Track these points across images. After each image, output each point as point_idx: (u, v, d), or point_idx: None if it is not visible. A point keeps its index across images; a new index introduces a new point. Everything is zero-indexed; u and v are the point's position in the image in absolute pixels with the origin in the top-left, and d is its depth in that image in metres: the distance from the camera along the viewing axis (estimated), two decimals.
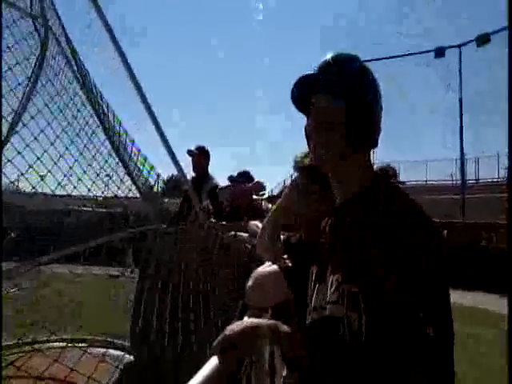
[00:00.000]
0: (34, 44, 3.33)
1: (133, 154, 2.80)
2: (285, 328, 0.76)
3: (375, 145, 0.84)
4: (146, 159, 2.78)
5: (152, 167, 2.76)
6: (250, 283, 1.51)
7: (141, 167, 2.87)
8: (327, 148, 0.82)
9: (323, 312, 0.76)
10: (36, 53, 3.35)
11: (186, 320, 2.61)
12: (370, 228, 0.72)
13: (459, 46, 13.43)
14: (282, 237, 1.70)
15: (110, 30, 2.38)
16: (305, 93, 0.84)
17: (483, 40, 12.82)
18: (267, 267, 1.53)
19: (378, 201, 0.77)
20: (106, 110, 2.85)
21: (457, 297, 4.97)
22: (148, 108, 2.49)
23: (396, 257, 0.66)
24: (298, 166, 1.40)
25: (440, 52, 13.77)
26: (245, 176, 3.33)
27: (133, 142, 2.72)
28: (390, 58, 14.81)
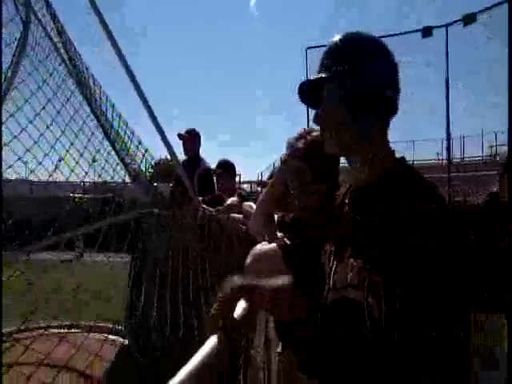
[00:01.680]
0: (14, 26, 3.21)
1: (126, 138, 2.76)
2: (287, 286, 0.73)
3: (388, 111, 0.82)
4: (140, 142, 2.75)
5: (146, 150, 2.73)
6: (247, 261, 1.55)
7: (133, 150, 2.84)
8: (332, 129, 0.82)
9: (344, 293, 0.76)
10: (16, 36, 3.22)
11: (186, 313, 2.62)
12: (395, 214, 0.70)
13: (446, 26, 13.38)
14: (275, 216, 1.73)
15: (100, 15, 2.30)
16: (313, 90, 0.85)
17: (469, 19, 12.80)
18: (265, 245, 1.56)
19: (402, 185, 0.75)
20: (98, 93, 2.79)
21: None
22: (134, 81, 2.44)
23: (424, 247, 0.64)
24: (294, 155, 1.41)
25: (427, 31, 13.70)
26: (225, 166, 3.30)
27: (126, 124, 2.68)
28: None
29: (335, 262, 0.82)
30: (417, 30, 14.80)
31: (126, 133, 2.73)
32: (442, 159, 17.71)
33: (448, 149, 14.04)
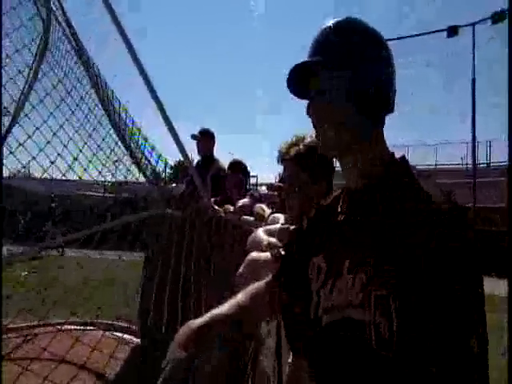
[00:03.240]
0: (36, 28, 3.27)
1: (140, 141, 2.78)
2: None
3: (388, 109, 0.76)
4: (153, 148, 2.76)
5: (160, 155, 2.75)
6: (241, 268, 1.52)
7: (146, 151, 2.85)
8: (338, 128, 0.73)
9: (344, 313, 0.68)
10: (38, 38, 3.28)
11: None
12: (400, 221, 0.62)
13: (473, 24, 12.97)
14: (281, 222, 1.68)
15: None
16: (302, 75, 0.76)
17: (499, 17, 12.35)
18: (260, 254, 1.54)
19: (402, 188, 0.68)
20: (111, 96, 2.81)
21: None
22: (150, 87, 2.43)
23: (434, 257, 0.57)
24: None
25: (453, 31, 13.31)
26: (233, 166, 3.23)
27: (139, 129, 2.69)
28: (403, 37, 14.39)
29: (332, 278, 0.72)
30: (442, 30, 14.46)
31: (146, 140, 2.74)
32: (467, 164, 17.21)
33: (473, 151, 13.59)
